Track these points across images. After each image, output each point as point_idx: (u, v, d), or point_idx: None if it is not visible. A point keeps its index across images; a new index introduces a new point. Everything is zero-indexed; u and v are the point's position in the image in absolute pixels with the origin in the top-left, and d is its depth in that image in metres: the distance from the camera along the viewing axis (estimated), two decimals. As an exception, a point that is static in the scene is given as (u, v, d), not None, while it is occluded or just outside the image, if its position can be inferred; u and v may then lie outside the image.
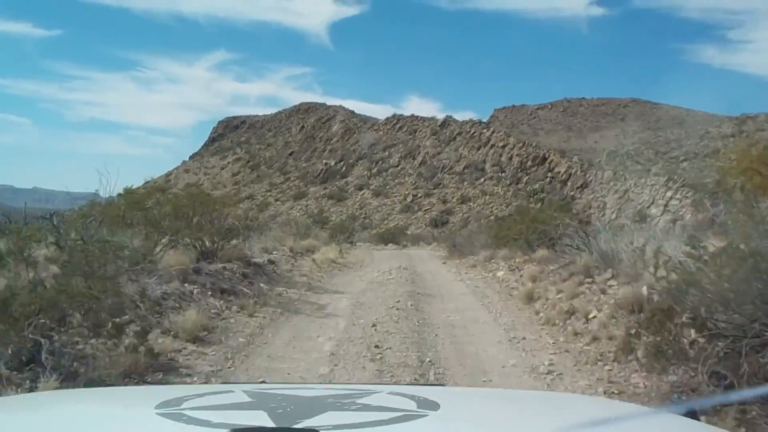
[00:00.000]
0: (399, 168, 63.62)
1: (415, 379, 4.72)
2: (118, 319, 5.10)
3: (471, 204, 54.57)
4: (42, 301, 3.67)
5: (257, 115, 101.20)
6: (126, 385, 3.85)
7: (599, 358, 5.40)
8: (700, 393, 3.66)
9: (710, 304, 3.95)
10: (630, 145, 61.07)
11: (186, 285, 7.35)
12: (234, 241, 10.52)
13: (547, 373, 5.05)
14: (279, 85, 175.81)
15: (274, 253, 13.02)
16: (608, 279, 7.81)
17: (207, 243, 9.75)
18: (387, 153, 66.91)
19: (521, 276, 10.44)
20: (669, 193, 47.17)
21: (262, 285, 9.04)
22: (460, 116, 69.02)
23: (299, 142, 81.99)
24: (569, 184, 54.69)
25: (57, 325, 4.04)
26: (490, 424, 1.25)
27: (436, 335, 6.58)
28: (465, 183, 58.25)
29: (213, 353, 5.38)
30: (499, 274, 11.69)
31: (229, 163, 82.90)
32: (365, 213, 55.46)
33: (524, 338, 6.44)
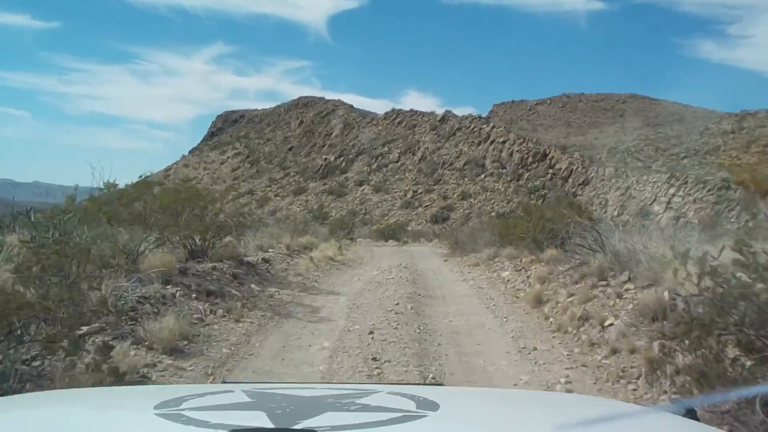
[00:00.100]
0: (399, 164, 63.11)
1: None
2: (83, 329, 4.55)
3: (472, 200, 54.12)
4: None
5: (256, 110, 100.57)
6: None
7: (621, 374, 4.86)
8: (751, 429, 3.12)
9: (763, 320, 3.41)
10: (630, 142, 60.68)
11: (168, 287, 6.80)
12: (227, 239, 9.98)
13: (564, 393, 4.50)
14: (277, 79, 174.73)
15: (270, 251, 12.47)
16: (624, 282, 7.25)
17: (197, 241, 9.21)
18: (387, 148, 66.38)
19: (528, 277, 9.89)
20: (672, 190, 46.75)
21: (252, 286, 8.49)
22: (459, 111, 68.53)
23: (298, 136, 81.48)
24: (570, 180, 54.25)
25: (4, 339, 3.50)
26: (489, 425, 1.25)
27: (439, 344, 6.04)
28: (465, 179, 57.74)
29: (191, 368, 4.84)
30: (504, 274, 11.14)
31: (228, 157, 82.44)
32: (365, 209, 55.01)
33: (535, 348, 5.89)
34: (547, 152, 57.14)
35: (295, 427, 1.04)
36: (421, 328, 6.75)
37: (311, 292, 9.21)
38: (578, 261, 9.08)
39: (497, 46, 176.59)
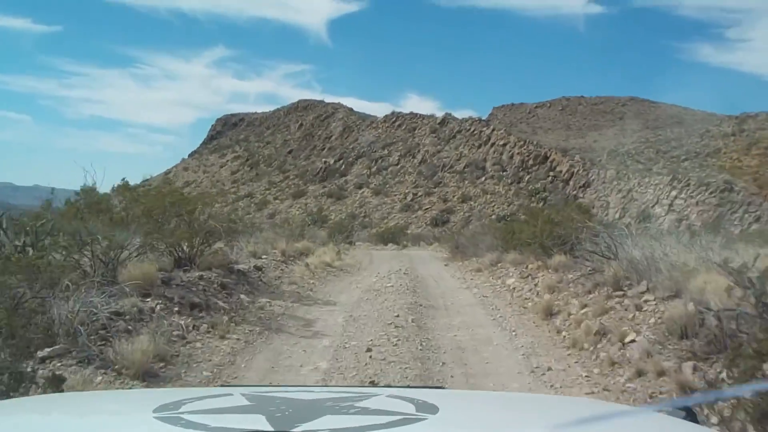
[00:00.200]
0: (399, 166, 62.66)
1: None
2: (45, 351, 4.00)
3: (472, 203, 53.66)
4: None
5: (256, 113, 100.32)
6: None
7: (650, 401, 4.30)
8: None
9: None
10: (630, 144, 60.44)
11: (148, 300, 6.25)
12: (216, 245, 9.43)
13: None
14: (278, 83, 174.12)
15: (263, 257, 11.92)
16: (642, 293, 6.71)
17: (184, 248, 8.66)
18: (386, 151, 65.95)
19: (536, 285, 9.34)
20: (674, 193, 46.32)
21: (242, 296, 7.94)
22: (459, 114, 68.07)
23: (298, 140, 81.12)
24: (571, 183, 53.87)
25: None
26: (489, 427, 1.25)
27: (444, 363, 5.49)
28: (466, 182, 57.31)
29: (164, 394, 4.27)
30: (510, 281, 10.59)
31: (228, 161, 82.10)
32: (365, 212, 54.57)
33: (549, 368, 5.34)
34: (548, 155, 56.72)
35: (295, 430, 1.03)
36: (424, 344, 6.20)
37: (305, 302, 8.66)
38: (589, 268, 8.54)
39: (497, 50, 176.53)
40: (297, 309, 8.01)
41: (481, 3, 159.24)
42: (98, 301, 5.07)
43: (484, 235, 19.87)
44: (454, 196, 54.22)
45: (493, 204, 52.67)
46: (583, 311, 6.91)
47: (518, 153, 57.89)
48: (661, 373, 4.70)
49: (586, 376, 5.06)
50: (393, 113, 75.02)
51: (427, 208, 52.77)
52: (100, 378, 4.22)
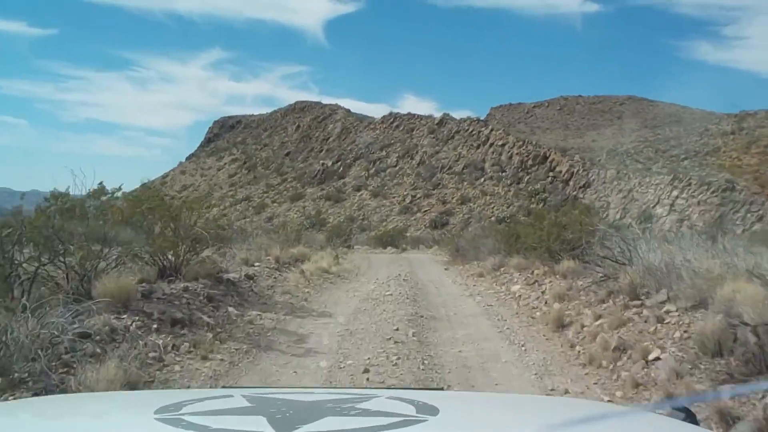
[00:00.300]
0: (397, 168, 62.21)
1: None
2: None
3: (471, 204, 53.23)
4: None
5: (253, 115, 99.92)
6: None
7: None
8: None
9: None
10: (629, 144, 60.19)
11: (124, 317, 5.71)
12: (205, 253, 8.90)
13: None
14: (275, 84, 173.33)
15: (256, 264, 11.38)
16: (662, 302, 6.19)
17: (169, 257, 8.13)
18: (384, 153, 65.50)
19: (543, 293, 8.82)
20: (675, 192, 45.94)
21: (230, 309, 7.40)
22: (457, 115, 67.55)
23: (295, 142, 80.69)
24: (571, 183, 53.47)
25: None
26: (489, 428, 1.26)
27: (449, 386, 4.95)
28: (465, 183, 56.88)
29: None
30: (515, 288, 10.06)
31: (225, 164, 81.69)
32: (363, 214, 54.10)
33: (567, 391, 4.81)
34: (548, 155, 56.30)
35: (295, 431, 1.03)
36: (426, 362, 5.67)
37: (299, 314, 8.12)
38: (601, 275, 8.02)
39: (494, 49, 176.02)
40: (289, 322, 7.47)
41: (477, 3, 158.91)
42: (62, 322, 4.53)
43: (485, 238, 19.35)
44: (453, 198, 53.75)
45: (492, 205, 52.22)
46: (597, 323, 6.39)
47: (517, 153, 57.47)
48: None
49: (608, 401, 4.53)
50: (390, 114, 74.58)
51: (426, 210, 52.29)
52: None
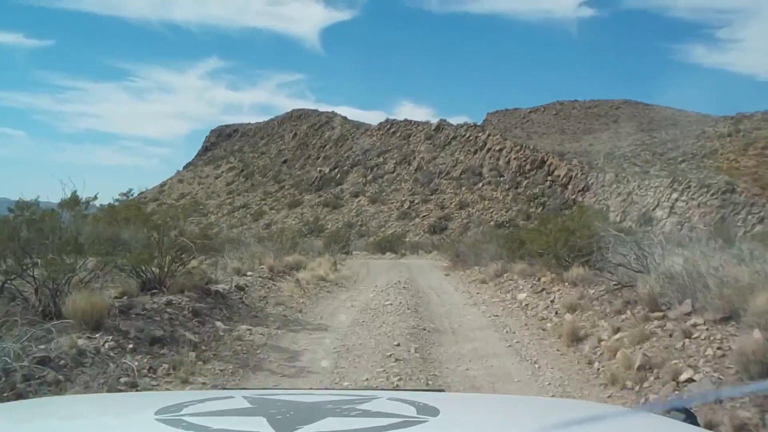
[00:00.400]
0: (395, 174, 61.85)
1: None
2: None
3: (470, 209, 52.83)
4: None
5: (250, 123, 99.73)
6: None
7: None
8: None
9: None
10: (625, 147, 60.06)
11: (97, 336, 5.17)
12: (192, 264, 8.36)
13: None
14: (272, 93, 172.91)
15: (249, 274, 10.84)
16: (687, 314, 5.67)
17: (152, 269, 7.59)
18: (382, 159, 65.16)
19: (552, 302, 8.29)
20: (675, 195, 45.66)
21: (218, 324, 6.85)
22: (453, 121, 67.19)
23: (292, 149, 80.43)
24: (570, 187, 53.14)
25: None
26: (489, 429, 1.27)
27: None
28: (463, 188, 56.52)
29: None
30: (521, 296, 9.53)
31: (222, 172, 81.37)
32: (361, 220, 53.66)
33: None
34: (546, 159, 56.00)
35: None
36: (431, 383, 5.12)
37: (292, 327, 7.57)
38: (614, 283, 7.51)
39: (490, 55, 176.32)
40: (281, 337, 6.92)
41: (473, 9, 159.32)
42: (17, 348, 3.98)
43: (486, 243, 18.86)
44: (451, 203, 53.33)
45: (491, 210, 51.82)
46: (616, 337, 5.86)
47: (515, 158, 57.16)
48: (740, 428, 3.65)
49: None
50: (387, 120, 74.27)
51: (424, 216, 51.84)
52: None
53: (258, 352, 6.14)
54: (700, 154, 55.51)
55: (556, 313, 7.71)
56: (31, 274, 5.80)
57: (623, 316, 6.39)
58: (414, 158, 62.72)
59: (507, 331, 7.35)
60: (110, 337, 5.21)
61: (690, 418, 1.30)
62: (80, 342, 4.86)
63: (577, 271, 8.64)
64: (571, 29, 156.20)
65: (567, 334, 6.45)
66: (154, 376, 4.86)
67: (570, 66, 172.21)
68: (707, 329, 5.21)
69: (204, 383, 4.93)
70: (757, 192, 44.63)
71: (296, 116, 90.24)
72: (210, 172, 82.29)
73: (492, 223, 46.95)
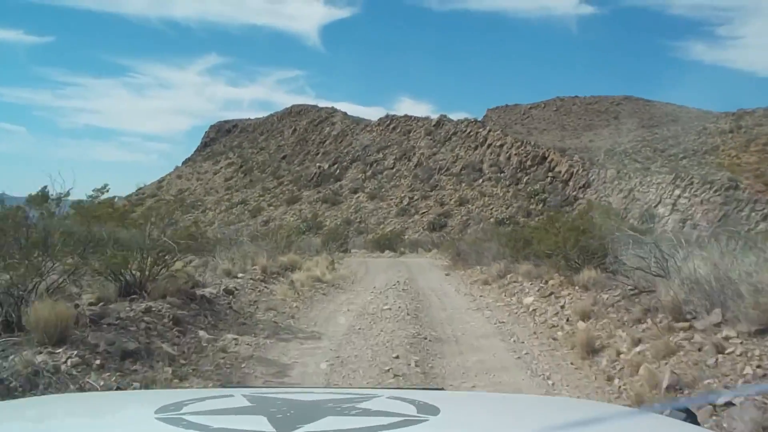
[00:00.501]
0: (394, 170, 61.32)
1: None
2: None
3: (470, 206, 52.35)
4: None
5: (249, 119, 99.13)
6: None
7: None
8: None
9: None
10: (626, 143, 59.67)
11: (59, 351, 4.61)
12: (177, 266, 7.81)
13: None
14: (271, 89, 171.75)
15: (240, 276, 10.29)
16: (717, 325, 5.13)
17: (133, 272, 7.04)
18: (381, 155, 64.60)
19: (563, 308, 7.75)
20: (677, 192, 45.20)
21: (201, 333, 6.30)
22: (453, 117, 66.58)
23: (292, 145, 79.89)
24: (571, 183, 52.70)
25: None
26: (489, 428, 1.26)
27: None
28: (463, 184, 56.05)
29: None
30: (528, 300, 8.99)
31: (221, 168, 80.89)
32: (360, 217, 53.17)
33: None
34: (546, 155, 55.45)
35: (296, 431, 1.03)
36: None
37: (283, 335, 7.02)
38: (631, 287, 6.97)
39: (490, 52, 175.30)
40: (270, 348, 6.37)
41: (473, 5, 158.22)
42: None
43: (488, 242, 18.33)
44: (451, 200, 52.82)
45: (491, 206, 51.32)
46: (638, 349, 5.32)
47: (516, 154, 56.62)
48: None
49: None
50: (387, 116, 73.68)
51: (423, 212, 51.33)
52: None
53: (243, 366, 5.59)
54: (701, 150, 55.06)
55: (568, 320, 7.16)
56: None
57: (643, 326, 5.85)
58: (414, 154, 62.17)
59: (515, 341, 6.80)
60: (75, 352, 4.66)
61: (690, 417, 1.30)
62: (39, 359, 4.31)
63: (589, 273, 8.09)
64: (572, 26, 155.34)
65: (581, 344, 5.91)
66: (121, 397, 4.31)
67: (570, 63, 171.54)
68: (742, 343, 4.68)
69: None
70: (761, 189, 44.16)
71: (296, 112, 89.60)
72: (209, 168, 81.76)
73: (492, 220, 46.46)
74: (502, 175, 56.18)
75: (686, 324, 5.41)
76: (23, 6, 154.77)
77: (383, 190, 57.20)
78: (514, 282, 11.15)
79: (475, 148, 60.54)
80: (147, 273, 7.12)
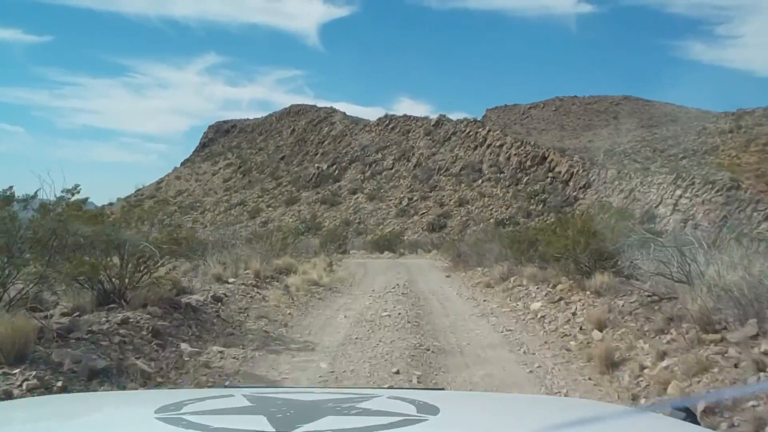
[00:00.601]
0: (393, 170, 60.86)
1: None
2: None
3: (469, 207, 51.88)
4: None
5: (248, 119, 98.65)
6: None
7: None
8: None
9: None
10: (626, 143, 59.35)
11: (16, 372, 4.08)
12: (161, 272, 7.28)
13: None
14: (270, 89, 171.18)
15: (231, 281, 9.76)
16: (753, 338, 4.61)
17: (113, 279, 6.51)
18: (380, 155, 64.12)
19: (574, 315, 7.22)
20: (678, 192, 44.80)
21: (183, 346, 5.76)
22: (453, 117, 66.15)
23: (291, 145, 79.45)
24: (571, 184, 52.27)
25: None
26: (489, 428, 1.26)
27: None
28: (462, 185, 55.61)
29: None
30: (535, 306, 8.47)
31: (220, 168, 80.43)
32: (359, 218, 52.69)
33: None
34: (546, 155, 55.01)
35: (296, 431, 1.03)
36: None
37: (274, 347, 6.49)
38: (649, 294, 6.44)
39: (489, 51, 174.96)
40: (259, 361, 5.83)
41: (472, 5, 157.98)
42: None
43: (489, 243, 17.83)
44: (450, 200, 52.36)
45: (491, 207, 50.87)
46: (664, 364, 4.79)
47: (515, 154, 56.17)
48: None
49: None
50: (386, 116, 73.20)
51: (423, 213, 50.85)
52: None
53: (227, 383, 5.05)
54: (701, 150, 54.71)
55: (581, 328, 6.64)
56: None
57: (667, 337, 5.33)
58: (413, 154, 61.71)
59: (524, 351, 6.27)
60: (33, 373, 4.13)
61: (690, 417, 1.30)
62: (-12, 383, 3.78)
63: (601, 278, 7.56)
64: (571, 25, 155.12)
65: (599, 357, 5.38)
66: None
67: (569, 62, 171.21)
68: (785, 360, 4.15)
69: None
70: (763, 189, 43.78)
71: (295, 112, 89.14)
72: (207, 169, 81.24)
73: (492, 220, 46.00)
74: (501, 175, 55.73)
75: (717, 336, 4.88)
76: (21, 5, 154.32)
77: (382, 190, 56.72)
78: (519, 285, 10.64)
79: (475, 148, 60.12)
80: (127, 280, 6.59)
